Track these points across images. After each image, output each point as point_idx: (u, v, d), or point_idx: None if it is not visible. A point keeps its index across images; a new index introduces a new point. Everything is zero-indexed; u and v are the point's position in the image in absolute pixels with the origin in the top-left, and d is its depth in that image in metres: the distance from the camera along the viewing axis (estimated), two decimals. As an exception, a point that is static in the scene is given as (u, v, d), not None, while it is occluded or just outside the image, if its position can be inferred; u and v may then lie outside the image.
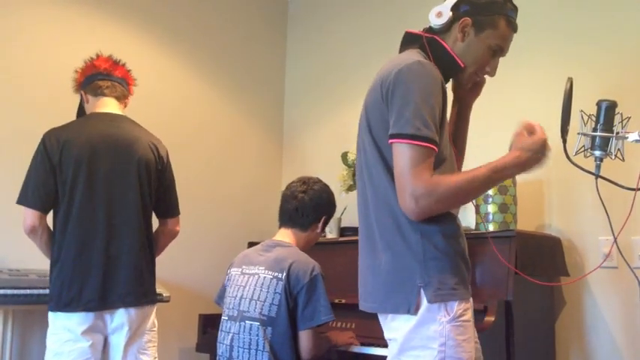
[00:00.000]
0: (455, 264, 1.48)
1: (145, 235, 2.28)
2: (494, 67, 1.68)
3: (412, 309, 1.44)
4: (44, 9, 3.10)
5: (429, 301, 1.43)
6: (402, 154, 1.43)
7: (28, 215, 2.16)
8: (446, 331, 1.43)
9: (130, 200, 2.23)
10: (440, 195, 1.41)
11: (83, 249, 2.14)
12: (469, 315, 1.49)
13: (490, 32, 1.61)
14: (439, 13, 1.63)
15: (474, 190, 1.47)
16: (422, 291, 1.44)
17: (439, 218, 1.48)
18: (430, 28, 1.67)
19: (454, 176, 1.47)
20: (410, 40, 1.69)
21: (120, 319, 2.18)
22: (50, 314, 2.15)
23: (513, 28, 1.65)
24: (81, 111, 2.44)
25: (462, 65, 1.63)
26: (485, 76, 1.74)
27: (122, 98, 2.41)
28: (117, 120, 2.32)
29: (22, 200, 2.18)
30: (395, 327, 1.50)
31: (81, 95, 2.42)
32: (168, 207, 2.42)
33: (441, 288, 1.44)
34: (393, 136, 1.46)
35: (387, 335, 1.57)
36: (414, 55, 1.56)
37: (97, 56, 2.41)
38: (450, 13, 1.62)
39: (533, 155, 1.47)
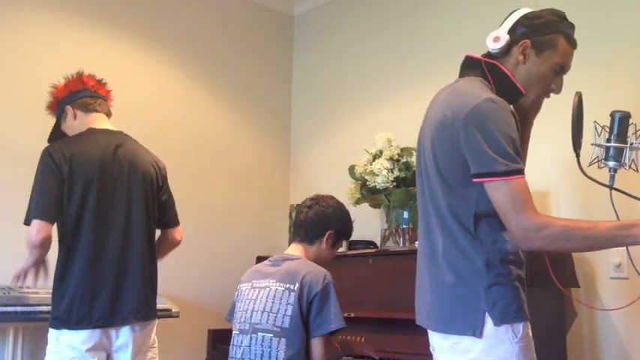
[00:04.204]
0: (515, 288, 1.53)
1: (151, 251, 2.30)
2: (559, 85, 1.67)
3: (477, 332, 1.49)
4: (43, 23, 3.14)
5: (495, 324, 1.48)
6: (499, 192, 1.46)
7: (41, 228, 2.07)
8: (515, 351, 1.49)
9: (136, 216, 2.25)
10: (549, 234, 1.43)
11: (93, 265, 2.15)
12: (530, 335, 1.55)
13: (550, 52, 1.61)
14: (496, 38, 1.63)
15: (589, 239, 1.45)
16: (487, 314, 1.49)
17: (501, 247, 1.53)
18: (488, 52, 1.67)
19: (571, 219, 1.50)
20: (470, 65, 1.69)
21: (125, 337, 2.18)
22: (53, 332, 2.14)
23: (572, 44, 1.65)
24: (58, 128, 2.38)
25: (523, 92, 1.63)
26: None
27: (109, 115, 2.42)
28: (118, 136, 2.33)
29: (35, 214, 2.09)
30: (463, 349, 1.53)
31: (62, 111, 2.35)
32: (169, 218, 2.43)
33: (505, 311, 1.49)
34: (481, 175, 1.48)
35: (449, 357, 1.59)
36: (480, 90, 1.56)
37: (81, 73, 2.39)
38: (508, 37, 1.62)
39: None
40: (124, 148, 2.29)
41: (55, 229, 2.18)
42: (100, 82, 2.42)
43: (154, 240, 2.36)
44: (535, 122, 1.82)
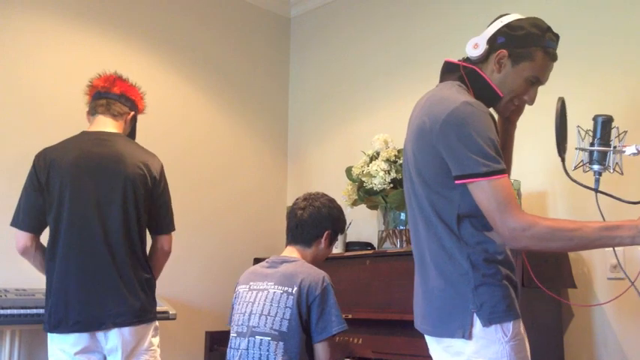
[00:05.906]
0: (504, 288, 1.53)
1: (134, 253, 2.22)
2: (533, 96, 1.69)
3: (466, 333, 1.50)
4: (50, 28, 3.14)
5: (484, 325, 1.49)
6: (483, 192, 1.47)
7: (20, 237, 2.19)
8: (507, 351, 1.49)
9: (115, 219, 2.19)
10: (535, 233, 1.44)
11: (70, 270, 2.13)
12: (523, 332, 1.55)
13: (526, 64, 1.63)
14: (475, 45, 1.66)
15: (574, 239, 1.45)
16: (475, 315, 1.50)
17: (487, 247, 1.53)
18: (467, 57, 1.70)
19: (558, 220, 1.50)
20: (449, 70, 1.72)
21: (113, 340, 2.15)
22: (48, 335, 2.16)
23: (551, 58, 1.66)
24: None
25: (501, 95, 1.66)
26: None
27: (119, 116, 2.37)
28: (105, 138, 2.28)
29: (14, 222, 2.21)
30: (455, 351, 1.55)
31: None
32: (159, 224, 2.35)
33: (493, 312, 1.50)
34: (464, 177, 1.49)
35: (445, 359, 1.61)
36: (458, 94, 1.59)
37: (99, 76, 2.41)
38: (487, 45, 1.65)
39: None
40: (108, 150, 2.24)
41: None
42: (115, 80, 2.39)
43: (139, 243, 2.26)
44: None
